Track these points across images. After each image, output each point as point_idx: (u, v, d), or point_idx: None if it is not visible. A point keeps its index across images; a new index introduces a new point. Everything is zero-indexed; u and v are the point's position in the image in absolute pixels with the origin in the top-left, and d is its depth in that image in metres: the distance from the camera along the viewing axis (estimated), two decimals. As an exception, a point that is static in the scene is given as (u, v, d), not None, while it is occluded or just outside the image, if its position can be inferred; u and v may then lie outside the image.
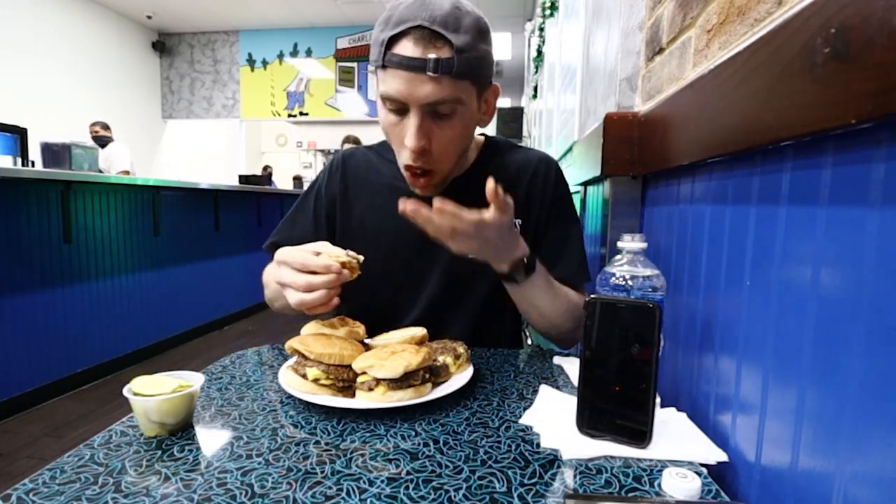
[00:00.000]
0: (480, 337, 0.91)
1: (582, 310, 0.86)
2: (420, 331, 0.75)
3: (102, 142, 4.57)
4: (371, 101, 7.42)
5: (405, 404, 0.60)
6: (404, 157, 0.77)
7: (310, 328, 0.75)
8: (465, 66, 0.70)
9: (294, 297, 0.65)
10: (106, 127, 4.70)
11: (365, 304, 0.90)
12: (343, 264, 0.65)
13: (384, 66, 0.71)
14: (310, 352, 0.64)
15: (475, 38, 0.71)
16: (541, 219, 0.91)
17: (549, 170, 0.92)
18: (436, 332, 0.80)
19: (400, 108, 0.73)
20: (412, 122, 0.72)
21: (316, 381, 0.62)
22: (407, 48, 0.69)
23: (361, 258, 0.70)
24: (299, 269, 0.65)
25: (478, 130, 0.89)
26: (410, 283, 0.91)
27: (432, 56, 0.68)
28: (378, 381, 0.61)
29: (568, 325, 0.84)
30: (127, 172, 4.60)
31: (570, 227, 0.92)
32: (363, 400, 0.61)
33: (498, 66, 9.20)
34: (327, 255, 0.66)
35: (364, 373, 0.62)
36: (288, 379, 0.65)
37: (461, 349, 0.73)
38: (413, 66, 0.68)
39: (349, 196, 0.93)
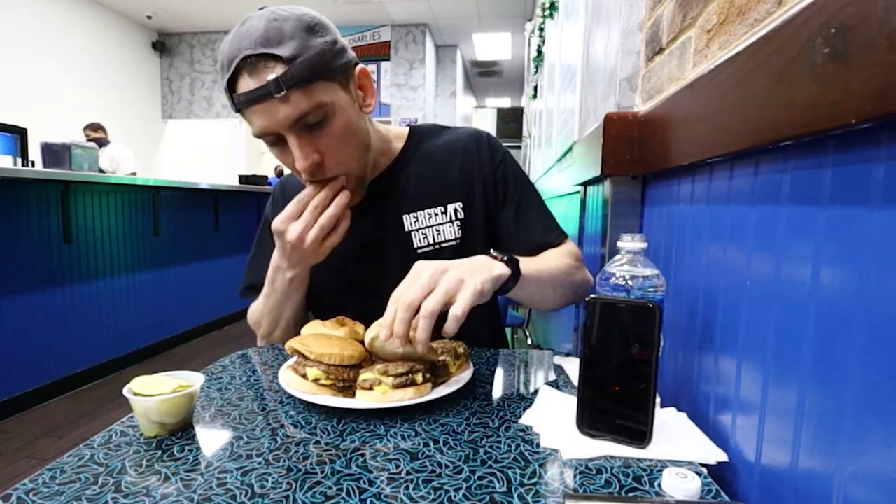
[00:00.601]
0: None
1: (573, 255, 0.86)
2: None
3: (98, 143, 4.55)
4: (371, 101, 7.44)
5: (405, 404, 0.60)
6: (304, 178, 0.75)
7: (310, 328, 0.75)
8: (306, 70, 0.67)
9: (314, 233, 0.72)
10: (96, 128, 4.62)
11: (338, 310, 0.87)
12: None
13: (238, 110, 0.70)
14: (310, 352, 0.63)
15: (303, 38, 0.68)
16: (489, 194, 0.89)
17: (479, 144, 0.91)
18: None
19: (276, 138, 0.72)
20: (293, 145, 0.70)
21: (316, 381, 0.62)
22: (245, 84, 0.67)
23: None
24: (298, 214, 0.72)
25: (396, 119, 0.89)
26: (371, 288, 0.90)
27: (270, 77, 0.65)
28: (379, 381, 0.61)
29: (576, 278, 0.82)
30: (135, 174, 4.60)
31: (524, 192, 0.91)
32: (363, 400, 0.61)
33: (497, 65, 9.20)
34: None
35: (367, 366, 0.63)
36: (288, 379, 0.65)
37: (461, 349, 0.72)
38: (258, 97, 0.66)
39: None
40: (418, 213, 0.88)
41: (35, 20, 5.80)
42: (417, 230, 0.88)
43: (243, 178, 5.95)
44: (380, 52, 7.33)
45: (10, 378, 2.38)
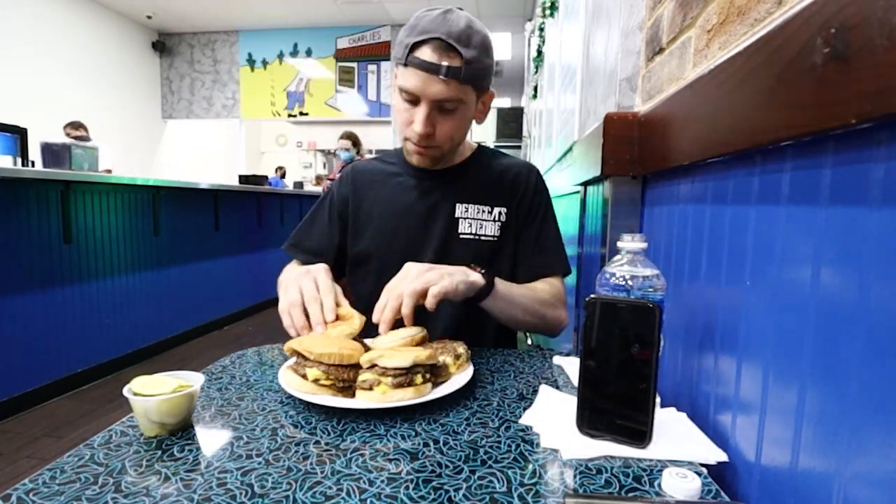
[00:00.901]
0: (471, 320, 0.96)
1: (555, 296, 0.97)
2: (419, 331, 0.75)
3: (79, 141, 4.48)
4: (371, 100, 7.43)
5: (405, 404, 0.60)
6: (410, 135, 0.91)
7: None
8: (470, 74, 0.85)
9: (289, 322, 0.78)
10: (76, 126, 4.53)
11: (378, 280, 0.96)
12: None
13: (405, 65, 0.85)
14: (309, 352, 0.63)
15: (482, 53, 0.86)
16: (522, 213, 1.03)
17: (530, 173, 1.06)
18: (446, 308, 0.91)
19: (413, 99, 0.87)
20: (422, 111, 0.87)
21: (316, 381, 0.62)
22: (426, 54, 0.83)
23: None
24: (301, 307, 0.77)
25: (473, 137, 0.97)
26: (412, 256, 0.95)
27: (445, 63, 0.83)
28: (379, 381, 0.61)
29: (548, 314, 0.96)
30: (109, 172, 4.54)
31: (549, 224, 1.04)
32: (363, 400, 0.61)
33: (498, 65, 9.19)
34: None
35: (369, 367, 0.63)
36: (288, 379, 0.65)
37: (461, 349, 0.72)
38: (429, 68, 0.83)
39: (358, 194, 1.07)
40: (469, 205, 1.02)
41: (35, 20, 5.79)
42: (465, 218, 1.01)
43: (243, 178, 5.94)
44: (380, 52, 7.32)
45: (10, 378, 2.38)
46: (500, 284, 0.85)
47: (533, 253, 1.02)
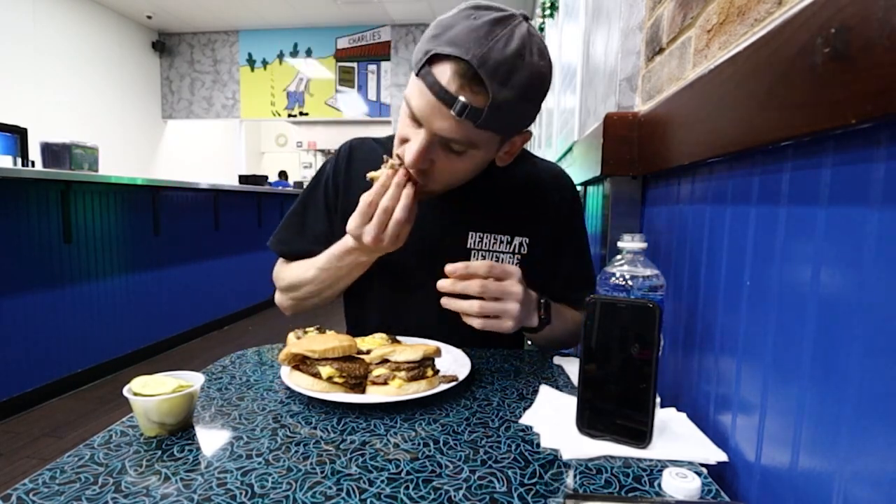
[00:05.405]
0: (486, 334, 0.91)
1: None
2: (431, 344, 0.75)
3: None
4: (371, 100, 7.42)
5: (420, 396, 0.62)
6: (400, 155, 0.74)
7: (292, 337, 0.74)
8: (493, 120, 0.65)
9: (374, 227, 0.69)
10: None
11: (378, 302, 0.92)
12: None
13: (417, 74, 0.68)
14: (312, 352, 0.64)
15: (520, 96, 0.64)
16: (556, 237, 0.90)
17: (560, 188, 0.91)
18: (447, 333, 0.82)
19: (416, 118, 0.70)
20: (418, 141, 0.69)
21: (329, 378, 0.63)
22: (443, 74, 0.64)
23: None
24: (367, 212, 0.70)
25: None
26: (417, 290, 0.90)
27: (463, 99, 0.63)
28: (394, 375, 0.63)
29: (573, 343, 0.91)
30: None
31: (583, 246, 0.93)
32: (379, 395, 0.62)
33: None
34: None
35: (379, 363, 0.64)
36: (296, 379, 0.65)
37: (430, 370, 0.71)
38: (441, 96, 0.64)
39: (353, 187, 0.89)
40: (484, 234, 0.87)
41: (35, 20, 5.79)
42: (478, 250, 0.87)
43: (243, 178, 5.95)
44: (380, 53, 7.32)
45: (10, 378, 2.38)
46: (548, 328, 0.77)
47: (572, 280, 0.90)
